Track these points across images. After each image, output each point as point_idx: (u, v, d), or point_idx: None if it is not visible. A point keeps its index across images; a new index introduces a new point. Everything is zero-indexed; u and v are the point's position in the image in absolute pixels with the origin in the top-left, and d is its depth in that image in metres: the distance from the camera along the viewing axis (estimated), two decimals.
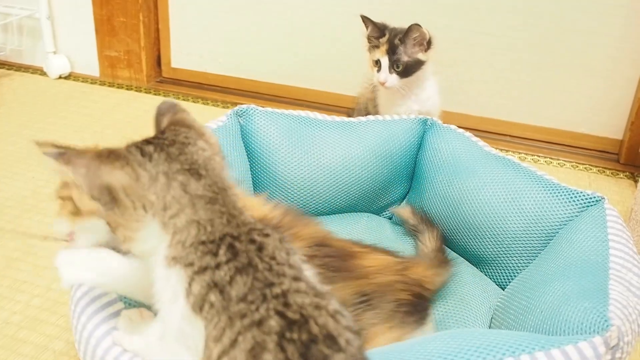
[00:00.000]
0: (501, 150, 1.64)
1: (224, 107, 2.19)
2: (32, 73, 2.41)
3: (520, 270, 1.10)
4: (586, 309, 0.79)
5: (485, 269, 1.17)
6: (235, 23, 2.21)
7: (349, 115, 1.51)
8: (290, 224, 0.88)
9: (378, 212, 1.35)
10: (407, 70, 1.52)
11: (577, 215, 1.06)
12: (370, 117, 1.36)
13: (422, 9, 1.97)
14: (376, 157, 1.29)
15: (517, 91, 1.99)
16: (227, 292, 0.59)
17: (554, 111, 1.98)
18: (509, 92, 2.00)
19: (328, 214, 1.30)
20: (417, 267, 0.97)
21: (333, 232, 1.22)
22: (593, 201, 1.05)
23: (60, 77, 2.37)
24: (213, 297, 0.59)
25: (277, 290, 0.59)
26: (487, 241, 1.15)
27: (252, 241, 0.63)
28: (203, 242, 0.62)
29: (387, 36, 1.53)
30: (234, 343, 0.57)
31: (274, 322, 0.56)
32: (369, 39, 1.58)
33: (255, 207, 0.87)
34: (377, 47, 1.54)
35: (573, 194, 1.08)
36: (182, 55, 2.34)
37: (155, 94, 2.28)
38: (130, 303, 0.84)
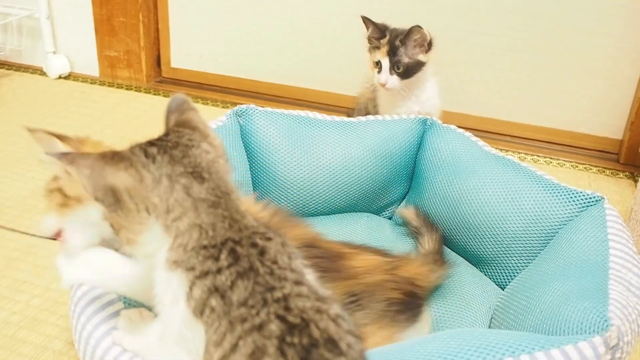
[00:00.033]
0: (501, 150, 1.64)
1: (223, 107, 2.19)
2: (31, 73, 2.41)
3: (520, 270, 1.10)
4: (586, 309, 0.79)
5: (485, 268, 1.17)
6: (235, 23, 2.21)
7: (349, 115, 1.51)
8: (279, 224, 0.88)
9: (378, 212, 1.35)
10: (407, 71, 1.52)
11: (577, 215, 1.06)
12: (370, 117, 1.36)
13: (422, 9, 1.97)
14: (376, 157, 1.29)
15: (517, 91, 1.99)
16: (228, 296, 0.59)
17: (554, 111, 1.98)
18: (509, 92, 2.00)
19: (328, 214, 1.30)
20: (408, 265, 0.97)
21: (331, 232, 1.23)
22: (593, 201, 1.05)
23: (60, 77, 2.37)
24: (214, 301, 0.59)
25: (278, 294, 0.59)
26: (486, 241, 1.15)
27: (254, 245, 0.62)
28: (205, 247, 0.62)
29: (387, 37, 1.53)
30: (234, 348, 0.56)
31: (274, 327, 0.56)
32: (369, 39, 1.58)
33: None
34: (378, 48, 1.54)
35: (573, 193, 1.08)
36: (181, 55, 2.34)
37: (155, 94, 2.28)
38: (130, 303, 0.84)
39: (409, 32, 1.50)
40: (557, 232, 1.06)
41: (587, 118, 1.96)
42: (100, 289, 0.84)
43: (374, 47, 1.55)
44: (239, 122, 1.27)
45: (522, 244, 1.10)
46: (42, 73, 2.40)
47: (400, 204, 1.36)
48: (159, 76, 2.39)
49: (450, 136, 1.29)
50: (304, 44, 2.16)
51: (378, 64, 1.53)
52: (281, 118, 1.29)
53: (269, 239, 0.64)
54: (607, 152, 1.96)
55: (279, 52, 2.20)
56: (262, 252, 0.62)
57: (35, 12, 2.30)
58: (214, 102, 2.22)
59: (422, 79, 1.55)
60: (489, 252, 1.15)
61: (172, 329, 0.63)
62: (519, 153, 1.95)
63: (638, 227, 1.38)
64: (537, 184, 1.12)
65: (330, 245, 0.92)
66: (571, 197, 1.07)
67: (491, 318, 1.05)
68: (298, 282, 0.61)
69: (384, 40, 1.53)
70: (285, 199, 1.25)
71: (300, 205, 1.26)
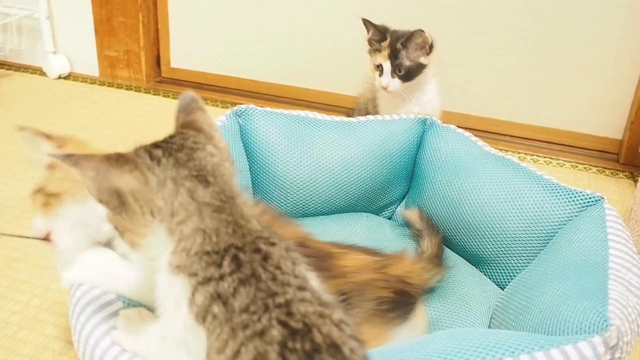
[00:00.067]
0: (501, 150, 1.64)
1: (223, 107, 2.19)
2: (31, 73, 2.41)
3: (519, 270, 1.10)
4: (585, 309, 0.79)
5: (485, 268, 1.17)
6: (235, 23, 2.21)
7: (349, 116, 1.51)
8: (268, 223, 0.88)
9: (377, 212, 1.35)
10: (409, 74, 1.52)
11: (576, 215, 1.06)
12: (370, 117, 1.36)
13: (422, 9, 1.97)
14: (375, 157, 1.29)
15: (517, 91, 1.99)
16: (230, 303, 0.58)
17: (554, 111, 1.98)
18: (509, 92, 2.00)
19: (327, 214, 1.30)
20: (399, 263, 0.96)
21: (331, 232, 1.23)
22: (592, 201, 1.05)
23: (59, 77, 2.37)
24: (216, 308, 0.59)
25: (280, 299, 0.58)
26: (486, 241, 1.15)
27: (258, 250, 0.62)
28: (207, 253, 0.61)
29: (388, 40, 1.52)
30: (236, 354, 0.56)
31: (276, 332, 0.56)
32: (369, 42, 1.57)
33: None
34: (379, 50, 1.53)
35: (572, 193, 1.08)
36: (181, 55, 2.34)
37: (154, 94, 2.28)
38: (129, 303, 0.84)
39: (411, 36, 1.50)
40: (557, 232, 1.06)
41: (587, 118, 1.96)
42: (100, 288, 0.84)
43: (375, 50, 1.55)
44: (238, 122, 1.27)
45: (521, 243, 1.10)
46: (42, 73, 2.40)
47: (400, 204, 1.37)
48: (159, 76, 2.39)
49: (450, 136, 1.29)
50: (303, 44, 2.16)
51: (379, 67, 1.53)
52: (281, 118, 1.29)
53: (273, 244, 0.63)
54: (607, 152, 1.96)
55: (279, 52, 2.20)
56: (265, 258, 0.61)
57: (35, 12, 2.30)
58: (213, 102, 2.22)
59: (423, 81, 1.55)
60: (489, 252, 1.15)
61: (174, 333, 0.63)
62: (519, 153, 1.95)
63: (638, 227, 1.38)
64: (537, 183, 1.12)
65: (320, 245, 0.92)
66: (571, 197, 1.07)
67: (491, 318, 1.05)
68: (301, 288, 0.60)
69: (385, 43, 1.52)
70: (285, 199, 1.26)
71: (300, 205, 1.26)
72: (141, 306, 0.81)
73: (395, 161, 1.31)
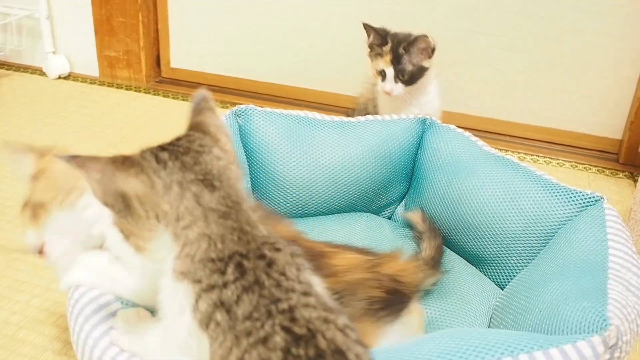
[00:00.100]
0: (501, 150, 1.64)
1: (223, 107, 2.19)
2: (31, 73, 2.41)
3: (519, 270, 1.10)
4: (585, 309, 0.79)
5: (485, 268, 1.17)
6: (234, 23, 2.21)
7: (348, 116, 1.51)
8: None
9: (377, 211, 1.35)
10: (412, 78, 1.52)
11: (576, 215, 1.06)
12: (369, 116, 1.36)
13: (422, 9, 1.97)
14: (375, 156, 1.29)
15: (516, 91, 1.99)
16: (233, 311, 0.58)
17: (554, 111, 1.98)
18: (508, 92, 2.00)
19: (327, 214, 1.30)
20: (391, 262, 0.96)
21: (330, 232, 1.23)
22: (592, 201, 1.05)
23: (59, 77, 2.37)
24: (219, 316, 0.58)
25: (283, 305, 0.58)
26: (486, 241, 1.15)
27: (262, 257, 0.61)
28: (212, 260, 0.61)
29: (389, 44, 1.52)
30: None
31: (279, 338, 0.55)
32: (370, 46, 1.56)
33: None
34: (380, 55, 1.52)
35: (572, 193, 1.08)
36: (181, 56, 2.35)
37: (154, 94, 2.28)
38: (127, 303, 0.84)
39: (414, 41, 1.49)
40: (557, 232, 1.06)
41: (587, 118, 1.96)
42: (98, 290, 0.84)
43: (376, 55, 1.54)
44: (237, 122, 1.27)
45: (521, 243, 1.10)
46: (42, 73, 2.40)
47: (399, 204, 1.37)
48: (159, 76, 2.39)
49: (449, 136, 1.29)
50: (303, 44, 2.16)
51: (382, 72, 1.53)
52: (280, 118, 1.29)
53: (278, 249, 0.63)
54: (607, 152, 1.96)
55: (279, 52, 2.20)
56: (269, 264, 0.61)
57: (35, 12, 2.30)
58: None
59: (425, 83, 1.55)
60: (489, 252, 1.15)
61: (178, 338, 0.62)
62: (519, 153, 1.95)
63: (637, 226, 1.38)
64: (537, 183, 1.12)
65: (311, 244, 0.92)
66: (570, 197, 1.07)
67: (490, 318, 1.05)
68: (306, 293, 0.60)
69: (387, 48, 1.52)
70: (285, 199, 1.26)
71: (300, 206, 1.27)
72: (139, 307, 0.81)
73: (394, 161, 1.31)
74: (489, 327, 1.04)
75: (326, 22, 2.10)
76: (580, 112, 1.96)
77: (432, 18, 1.96)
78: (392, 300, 0.90)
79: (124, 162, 0.62)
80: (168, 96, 2.26)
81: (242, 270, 0.60)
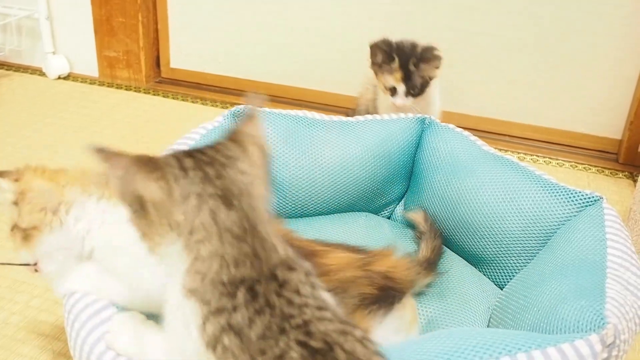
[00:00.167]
0: (500, 150, 1.64)
1: (222, 108, 2.19)
2: (31, 73, 2.41)
3: (518, 269, 1.10)
4: (583, 307, 0.79)
5: (484, 268, 1.17)
6: (234, 23, 2.21)
7: (348, 116, 1.51)
8: None
9: (376, 211, 1.35)
10: (421, 90, 1.53)
11: (575, 215, 1.06)
12: (368, 116, 1.36)
13: (422, 9, 1.97)
14: (374, 156, 1.29)
15: (516, 91, 1.99)
16: (245, 334, 0.56)
17: (553, 111, 1.98)
18: (508, 92, 2.00)
19: (327, 214, 1.30)
20: (383, 259, 0.96)
21: (330, 232, 1.23)
22: (591, 201, 1.05)
23: (59, 78, 2.37)
24: (227, 340, 0.57)
25: (297, 320, 0.56)
26: (485, 241, 1.15)
27: (274, 278, 0.60)
28: (223, 283, 0.59)
29: (397, 60, 1.51)
30: None
31: (295, 354, 0.54)
32: (379, 65, 1.55)
33: None
34: (389, 72, 1.52)
35: (571, 193, 1.08)
36: (181, 56, 2.35)
37: (154, 95, 2.28)
38: (123, 308, 0.84)
39: (423, 56, 1.49)
40: (556, 232, 1.07)
41: (587, 118, 1.96)
42: (93, 296, 0.84)
43: (385, 72, 1.53)
44: (236, 122, 1.27)
45: (520, 243, 1.10)
46: (42, 73, 2.40)
47: (398, 204, 1.37)
48: (159, 76, 2.39)
49: (448, 135, 1.29)
50: (302, 44, 2.16)
51: (392, 89, 1.53)
52: (279, 118, 1.29)
53: (292, 269, 0.61)
54: (607, 152, 1.96)
55: (278, 53, 2.20)
56: (282, 285, 0.59)
57: (35, 12, 2.30)
58: (213, 103, 2.22)
59: (430, 90, 1.56)
60: (488, 252, 1.15)
61: (184, 354, 0.61)
62: (518, 153, 1.95)
63: (637, 226, 1.38)
64: (536, 183, 1.12)
65: (302, 243, 0.92)
66: (570, 197, 1.07)
67: (490, 317, 1.05)
68: (320, 308, 0.58)
69: (395, 65, 1.51)
70: (284, 199, 1.26)
71: (299, 206, 1.27)
72: (133, 311, 0.81)
73: (394, 161, 1.31)
74: (488, 326, 1.04)
75: (325, 22, 2.10)
76: (580, 112, 1.95)
77: (432, 18, 1.96)
78: (384, 296, 0.91)
79: (147, 164, 0.61)
80: (168, 96, 2.26)
81: (253, 294, 0.58)
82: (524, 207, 1.11)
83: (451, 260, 1.18)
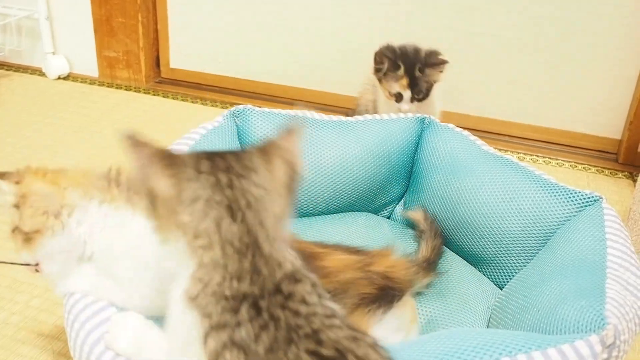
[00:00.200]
0: (500, 150, 1.64)
1: (222, 108, 2.19)
2: (31, 74, 2.41)
3: (518, 269, 1.10)
4: (583, 308, 0.79)
5: (484, 268, 1.17)
6: (234, 24, 2.21)
7: (348, 116, 1.51)
8: None
9: (376, 211, 1.35)
10: (426, 95, 1.53)
11: (575, 215, 1.06)
12: (368, 116, 1.36)
13: (422, 9, 1.97)
14: (374, 156, 1.29)
15: (516, 91, 1.99)
16: (251, 349, 0.55)
17: (553, 111, 1.98)
18: (508, 92, 2.00)
19: (326, 214, 1.30)
20: (382, 259, 0.96)
21: (330, 232, 1.23)
22: (591, 201, 1.05)
23: (59, 78, 2.37)
24: (229, 355, 0.56)
25: (306, 330, 0.55)
26: (485, 241, 1.15)
27: (279, 292, 0.58)
28: (225, 297, 0.58)
29: (402, 67, 1.51)
30: None
31: None
32: (385, 73, 1.55)
33: None
34: (395, 79, 1.52)
35: (571, 193, 1.08)
36: (180, 56, 2.35)
37: (154, 95, 2.28)
38: (122, 308, 0.84)
39: (428, 61, 1.49)
40: (555, 232, 1.07)
41: (586, 118, 1.96)
42: (93, 296, 0.84)
43: (390, 79, 1.54)
44: (235, 122, 1.27)
45: (520, 243, 1.10)
46: (42, 73, 2.40)
47: (398, 203, 1.37)
48: (158, 77, 2.39)
49: (448, 135, 1.29)
50: (302, 44, 2.16)
51: (398, 94, 1.53)
52: (278, 118, 1.29)
53: (298, 281, 0.60)
54: (606, 152, 1.96)
55: (277, 53, 2.20)
56: (287, 297, 0.58)
57: (35, 12, 2.30)
58: (212, 103, 2.22)
59: (433, 93, 1.56)
60: (488, 252, 1.15)
61: (184, 356, 0.61)
62: (518, 153, 1.95)
63: (636, 226, 1.38)
64: (536, 183, 1.12)
65: (303, 246, 0.92)
66: (569, 197, 1.08)
67: (489, 318, 1.05)
68: (329, 316, 0.58)
69: (401, 72, 1.51)
70: None
71: (299, 206, 1.27)
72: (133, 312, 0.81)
73: (393, 160, 1.31)
74: (487, 326, 1.04)
75: (325, 22, 2.10)
76: (580, 112, 1.96)
77: (432, 18, 1.96)
78: (383, 295, 0.91)
79: (165, 159, 0.61)
80: (167, 96, 2.26)
81: (257, 310, 0.57)
82: (524, 207, 1.11)
83: (451, 260, 1.18)
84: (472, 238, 1.17)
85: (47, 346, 1.14)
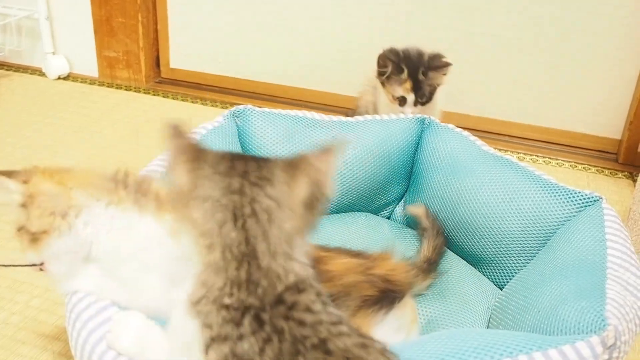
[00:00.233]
0: (500, 150, 1.64)
1: (222, 108, 2.19)
2: (31, 74, 2.41)
3: (518, 270, 1.11)
4: (583, 309, 0.79)
5: (484, 268, 1.17)
6: (234, 24, 2.21)
7: (347, 116, 1.51)
8: None
9: (376, 211, 1.35)
10: (429, 98, 1.53)
11: (574, 215, 1.06)
12: (368, 116, 1.36)
13: (422, 9, 1.97)
14: (374, 156, 1.29)
15: (516, 91, 1.99)
16: None
17: (553, 111, 1.98)
18: (508, 92, 2.00)
19: (326, 214, 1.30)
20: (383, 262, 0.97)
21: (330, 232, 1.23)
22: (591, 201, 1.05)
23: (59, 78, 2.37)
24: None
25: (313, 340, 0.54)
26: (485, 241, 1.15)
27: (282, 302, 0.57)
28: (226, 307, 0.56)
29: (406, 71, 1.51)
30: None
31: None
32: (388, 76, 1.54)
33: None
34: (398, 83, 1.52)
35: (571, 193, 1.08)
36: (180, 56, 2.35)
37: (154, 95, 2.28)
38: (124, 307, 0.84)
39: (431, 65, 1.49)
40: (555, 232, 1.07)
41: (587, 118, 1.96)
42: (95, 296, 0.84)
43: (393, 82, 1.53)
44: (236, 122, 1.27)
45: (520, 243, 1.10)
46: (42, 74, 2.40)
47: (398, 204, 1.37)
48: (158, 77, 2.39)
49: (448, 135, 1.29)
50: (302, 44, 2.16)
51: (401, 98, 1.53)
52: (279, 118, 1.28)
53: (302, 290, 0.58)
54: (606, 152, 1.96)
55: (277, 53, 2.20)
56: (290, 307, 0.57)
57: (35, 12, 2.30)
58: (213, 103, 2.22)
59: (435, 96, 1.56)
60: (487, 252, 1.15)
61: (186, 357, 0.61)
62: (518, 153, 1.95)
63: (636, 226, 1.38)
64: (536, 183, 1.12)
65: None
66: (569, 197, 1.07)
67: (489, 318, 1.05)
68: (336, 323, 0.56)
69: (404, 76, 1.51)
70: None
71: None
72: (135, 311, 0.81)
73: (393, 161, 1.31)
74: (487, 327, 1.04)
75: (325, 22, 2.10)
76: (580, 112, 1.96)
77: (432, 18, 1.96)
78: (384, 297, 0.92)
79: (190, 152, 0.61)
80: (168, 96, 2.26)
81: (259, 322, 0.56)
82: (524, 207, 1.11)
83: (451, 261, 1.18)
84: (472, 238, 1.17)
85: (47, 346, 1.14)
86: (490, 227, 1.14)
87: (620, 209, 1.63)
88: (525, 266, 1.09)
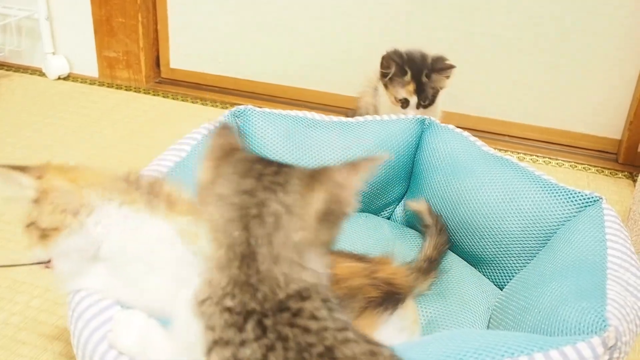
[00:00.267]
0: (500, 150, 1.64)
1: (222, 108, 2.19)
2: (30, 74, 2.41)
3: (518, 270, 1.11)
4: (584, 309, 0.79)
5: (484, 269, 1.17)
6: (234, 24, 2.21)
7: (348, 116, 1.51)
8: None
9: (376, 211, 1.35)
10: (432, 101, 1.53)
11: (575, 215, 1.06)
12: (368, 117, 1.36)
13: (422, 9, 1.97)
14: None
15: (516, 91, 1.99)
16: None
17: (553, 111, 1.98)
18: (508, 92, 2.00)
19: None
20: (386, 266, 0.98)
21: None
22: (591, 201, 1.05)
23: (59, 78, 2.37)
24: None
25: (318, 349, 0.52)
26: (485, 241, 1.15)
27: (286, 309, 0.55)
28: (228, 310, 0.56)
29: (409, 73, 1.51)
30: None
31: None
32: (391, 78, 1.54)
33: None
34: (401, 85, 1.52)
35: (571, 193, 1.08)
36: (180, 56, 2.34)
37: (154, 95, 2.28)
38: (127, 306, 0.84)
39: (435, 67, 1.49)
40: (556, 232, 1.07)
41: (586, 118, 1.96)
42: (98, 294, 0.84)
43: (396, 84, 1.53)
44: (236, 123, 1.27)
45: (520, 244, 1.10)
46: (42, 74, 2.40)
47: (398, 204, 1.37)
48: (158, 77, 2.39)
49: (448, 136, 1.29)
50: (302, 44, 2.16)
51: (404, 100, 1.53)
52: (279, 119, 1.28)
53: (307, 297, 0.56)
54: (606, 152, 1.96)
55: (278, 53, 2.20)
56: (295, 314, 0.55)
57: (35, 12, 2.30)
58: (213, 103, 2.22)
59: (437, 99, 1.56)
60: (488, 252, 1.15)
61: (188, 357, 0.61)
62: (518, 153, 1.95)
63: (636, 226, 1.38)
64: (536, 184, 1.12)
65: None
66: (569, 197, 1.08)
67: (490, 318, 1.05)
68: (342, 329, 0.55)
69: (408, 78, 1.51)
70: None
71: None
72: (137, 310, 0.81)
73: (393, 161, 1.31)
74: (488, 327, 1.04)
75: (325, 22, 2.10)
76: (580, 112, 1.96)
77: (432, 18, 1.96)
78: (387, 298, 0.93)
79: (220, 151, 0.63)
80: (168, 97, 2.26)
81: (262, 329, 0.54)
82: (524, 208, 1.11)
83: (451, 261, 1.18)
84: (472, 238, 1.17)
85: (48, 347, 1.14)
86: (491, 227, 1.14)
87: (620, 209, 1.63)
88: (525, 266, 1.09)
